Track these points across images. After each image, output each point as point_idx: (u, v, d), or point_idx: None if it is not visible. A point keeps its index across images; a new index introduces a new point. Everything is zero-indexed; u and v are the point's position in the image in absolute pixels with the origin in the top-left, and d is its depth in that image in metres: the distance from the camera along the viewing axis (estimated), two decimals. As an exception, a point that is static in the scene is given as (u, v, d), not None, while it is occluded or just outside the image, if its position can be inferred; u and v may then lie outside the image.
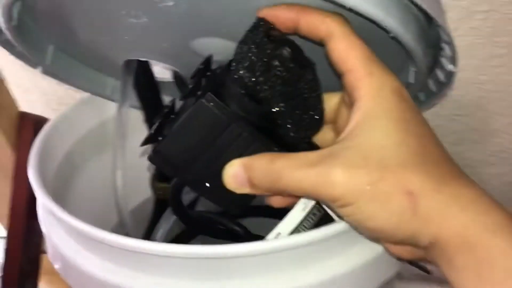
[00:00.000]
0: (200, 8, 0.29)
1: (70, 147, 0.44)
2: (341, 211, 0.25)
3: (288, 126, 0.28)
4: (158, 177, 0.47)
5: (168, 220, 0.39)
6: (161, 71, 0.43)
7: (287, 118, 0.27)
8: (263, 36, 0.26)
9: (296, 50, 0.27)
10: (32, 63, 0.40)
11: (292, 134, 0.28)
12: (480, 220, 0.23)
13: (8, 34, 0.34)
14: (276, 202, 0.30)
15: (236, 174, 0.27)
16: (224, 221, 0.37)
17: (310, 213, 0.30)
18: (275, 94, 0.26)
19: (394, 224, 0.24)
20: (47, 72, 0.41)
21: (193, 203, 0.45)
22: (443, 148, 0.26)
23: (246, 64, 0.26)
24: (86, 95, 0.47)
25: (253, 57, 0.26)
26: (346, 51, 0.26)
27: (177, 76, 0.40)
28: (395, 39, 0.27)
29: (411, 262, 0.35)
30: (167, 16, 0.31)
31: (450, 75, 0.32)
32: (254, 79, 0.26)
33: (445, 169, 0.25)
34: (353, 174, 0.24)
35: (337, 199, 0.25)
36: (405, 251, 0.27)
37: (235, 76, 0.26)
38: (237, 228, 0.36)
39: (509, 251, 0.23)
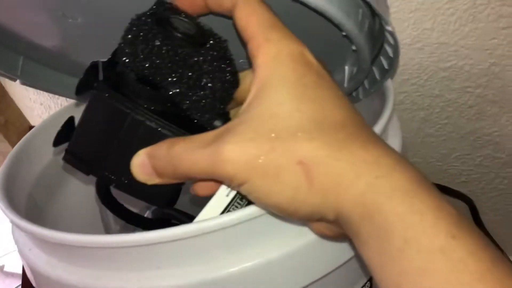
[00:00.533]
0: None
1: (53, 156, 0.45)
2: (241, 190, 0.24)
3: (190, 107, 0.27)
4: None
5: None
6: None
7: (186, 99, 0.26)
8: (145, 17, 0.25)
9: (190, 27, 0.26)
10: (10, 77, 0.42)
11: (195, 115, 0.27)
12: (377, 184, 0.21)
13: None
14: (200, 190, 0.29)
15: (143, 164, 0.27)
16: (175, 214, 0.36)
17: (237, 198, 0.28)
18: (165, 77, 0.25)
19: (290, 198, 0.23)
20: (25, 83, 0.43)
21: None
22: (349, 111, 0.24)
23: (127, 48, 0.25)
24: (71, 102, 0.49)
25: (134, 40, 0.25)
26: (247, 18, 0.25)
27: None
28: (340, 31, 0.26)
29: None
30: (100, 12, 0.31)
31: (392, 63, 0.31)
32: (138, 63, 0.25)
33: (345, 133, 0.23)
34: (243, 149, 0.23)
35: (231, 177, 0.23)
36: (326, 229, 0.25)
37: (121, 62, 0.26)
38: (187, 221, 0.35)
39: (406, 216, 0.20)
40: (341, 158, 0.22)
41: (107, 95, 0.26)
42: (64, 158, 0.28)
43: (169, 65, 0.25)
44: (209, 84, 0.26)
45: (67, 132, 0.28)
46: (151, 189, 0.28)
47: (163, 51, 0.25)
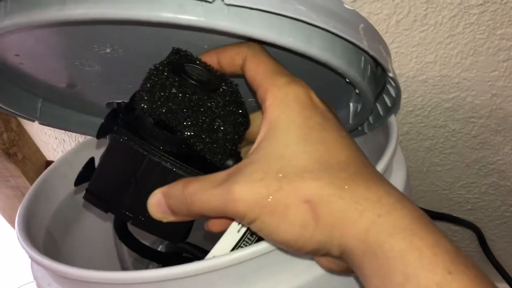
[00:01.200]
0: (136, 50, 0.31)
1: (70, 192, 0.47)
2: (251, 227, 0.25)
3: (203, 149, 0.28)
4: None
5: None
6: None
7: (199, 142, 0.28)
8: (163, 66, 0.27)
9: (203, 74, 0.28)
10: (29, 118, 0.44)
11: (208, 156, 0.28)
12: (379, 222, 0.22)
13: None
14: (213, 227, 0.30)
15: (159, 204, 0.28)
16: (188, 248, 0.37)
17: (248, 233, 0.30)
18: (180, 121, 0.27)
19: (297, 235, 0.24)
20: (43, 123, 0.45)
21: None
22: (353, 151, 0.25)
23: (146, 95, 0.27)
24: (86, 138, 0.51)
25: (152, 88, 0.27)
26: (255, 69, 0.27)
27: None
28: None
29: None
30: (114, 62, 0.33)
31: (395, 102, 0.33)
32: (155, 109, 0.27)
33: (349, 172, 0.24)
34: (252, 188, 0.24)
35: (243, 216, 0.25)
36: (332, 264, 0.26)
37: (140, 108, 0.28)
38: (201, 255, 0.37)
39: (406, 253, 0.21)
40: (345, 196, 0.23)
41: (125, 138, 0.27)
42: (85, 197, 0.30)
43: (184, 110, 0.27)
44: (221, 127, 0.28)
45: (87, 173, 0.30)
46: (166, 226, 0.29)
47: (179, 98, 0.27)
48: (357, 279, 0.30)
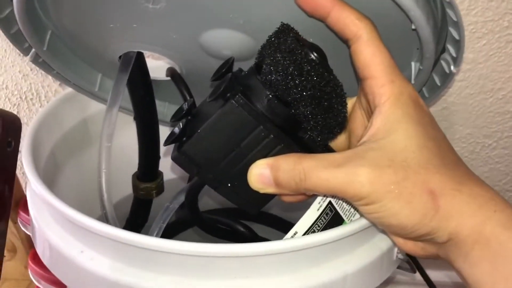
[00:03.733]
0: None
1: (54, 144, 0.42)
2: (365, 208, 0.26)
3: (313, 129, 0.28)
4: (141, 177, 0.46)
5: (162, 220, 0.38)
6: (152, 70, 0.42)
7: (312, 121, 0.28)
8: (295, 41, 0.27)
9: (323, 56, 0.28)
10: (24, 50, 0.38)
11: (315, 136, 0.29)
12: (496, 217, 0.25)
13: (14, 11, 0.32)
14: (288, 198, 0.31)
15: (262, 174, 0.28)
16: (231, 222, 0.37)
17: (324, 213, 0.31)
18: (304, 98, 0.27)
19: (416, 221, 0.26)
20: (36, 61, 0.39)
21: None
22: (455, 151, 0.28)
23: (279, 68, 0.26)
24: (66, 92, 0.45)
25: (285, 62, 0.26)
26: (371, 57, 0.28)
27: (174, 74, 0.40)
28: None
29: (398, 266, 0.37)
30: (187, 2, 0.30)
31: (448, 76, 0.34)
32: (286, 83, 0.27)
33: (461, 170, 0.27)
34: (380, 174, 0.25)
35: (364, 197, 0.26)
36: (418, 248, 0.29)
37: (267, 80, 0.27)
38: (242, 229, 0.36)
39: None
40: (464, 192, 0.26)
41: (243, 105, 0.26)
42: (174, 157, 0.28)
43: (311, 88, 0.27)
44: (339, 108, 0.28)
45: (180, 136, 0.28)
46: (251, 196, 0.29)
47: (310, 76, 0.27)
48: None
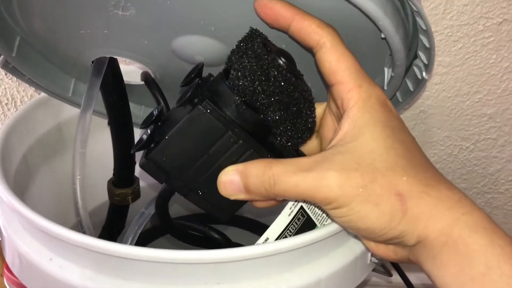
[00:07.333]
0: (196, 2, 0.29)
1: (27, 149, 0.41)
2: (334, 212, 0.26)
3: (282, 134, 0.28)
4: (116, 183, 0.46)
5: (137, 226, 0.38)
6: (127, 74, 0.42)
7: (281, 126, 0.28)
8: (261, 47, 0.27)
9: (291, 61, 0.28)
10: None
11: (284, 142, 0.28)
12: (463, 220, 0.25)
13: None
14: (260, 204, 0.31)
15: (232, 181, 0.28)
16: (203, 229, 0.36)
17: (295, 218, 0.31)
18: (272, 103, 0.27)
19: (384, 224, 0.26)
20: (6, 66, 0.38)
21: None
22: (424, 154, 0.28)
23: (246, 73, 0.26)
24: (40, 96, 0.45)
25: (253, 67, 0.26)
26: (336, 63, 0.28)
27: (148, 79, 0.39)
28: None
29: (374, 269, 0.37)
30: (158, 10, 0.30)
31: (420, 82, 0.34)
32: (253, 88, 0.26)
33: (429, 173, 0.27)
34: (348, 177, 0.26)
35: (332, 201, 0.26)
36: (390, 251, 0.29)
37: (235, 85, 0.27)
38: (215, 235, 0.36)
39: (488, 247, 0.25)
40: (432, 194, 0.26)
41: (210, 111, 0.26)
42: (142, 165, 0.28)
43: (279, 94, 0.27)
44: (308, 113, 0.28)
45: (148, 140, 0.27)
46: (221, 203, 0.29)
47: (278, 81, 0.26)
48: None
